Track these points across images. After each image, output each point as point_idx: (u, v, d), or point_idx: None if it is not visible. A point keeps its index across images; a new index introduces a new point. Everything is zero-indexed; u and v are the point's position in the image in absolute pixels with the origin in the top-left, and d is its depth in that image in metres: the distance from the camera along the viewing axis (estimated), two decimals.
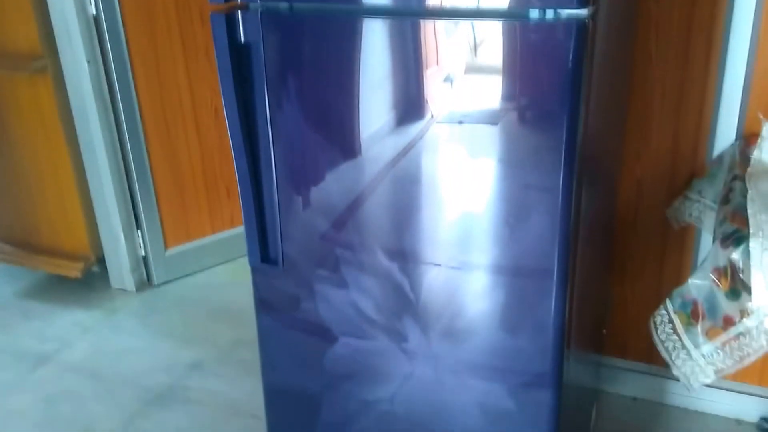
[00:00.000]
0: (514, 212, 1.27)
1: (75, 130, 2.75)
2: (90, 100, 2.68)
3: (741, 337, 1.28)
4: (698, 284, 1.34)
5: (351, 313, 1.45)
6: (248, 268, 1.53)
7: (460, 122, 1.25)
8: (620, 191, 1.98)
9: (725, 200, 1.47)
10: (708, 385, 1.44)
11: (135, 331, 2.70)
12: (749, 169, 1.54)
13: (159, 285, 2.99)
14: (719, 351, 1.32)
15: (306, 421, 1.61)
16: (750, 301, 1.23)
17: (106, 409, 2.26)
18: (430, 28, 1.23)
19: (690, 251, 1.97)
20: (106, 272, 2.99)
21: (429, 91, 1.27)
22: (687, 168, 1.89)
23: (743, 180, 1.49)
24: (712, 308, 1.32)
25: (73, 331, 2.70)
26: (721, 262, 1.28)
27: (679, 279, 1.60)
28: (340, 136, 1.34)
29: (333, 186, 1.38)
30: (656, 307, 1.45)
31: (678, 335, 1.38)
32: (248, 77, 1.36)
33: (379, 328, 1.44)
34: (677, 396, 2.12)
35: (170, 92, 2.82)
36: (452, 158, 1.28)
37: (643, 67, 1.84)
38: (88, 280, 2.97)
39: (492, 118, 1.24)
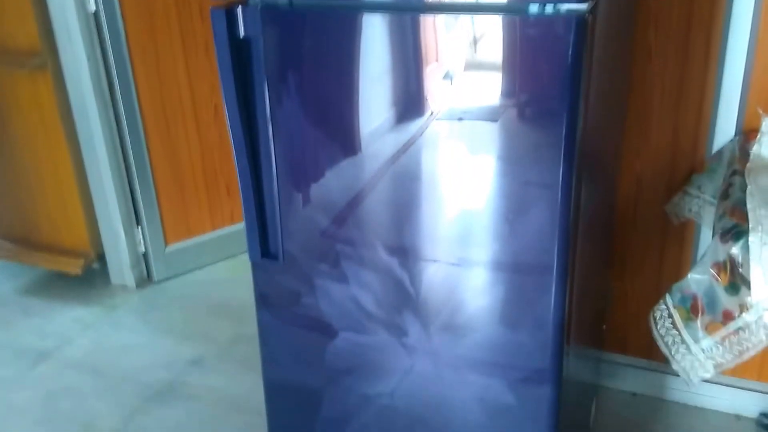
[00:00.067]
0: (514, 208, 1.27)
1: (75, 126, 2.76)
2: (90, 97, 2.68)
3: (740, 332, 1.28)
4: (698, 279, 1.34)
5: (351, 308, 1.45)
6: (248, 265, 1.53)
7: (460, 119, 1.26)
8: (620, 187, 1.98)
9: (725, 195, 1.47)
10: (707, 381, 1.44)
11: (135, 327, 2.70)
12: (749, 165, 1.54)
13: (159, 281, 2.99)
14: (719, 346, 1.33)
15: (306, 416, 1.61)
16: (749, 295, 1.23)
17: (106, 406, 2.27)
18: (429, 24, 1.23)
19: (689, 246, 1.97)
20: (106, 269, 2.99)
21: (429, 88, 1.27)
22: (686, 163, 1.89)
23: (743, 175, 1.49)
24: (712, 303, 1.32)
25: (73, 327, 2.71)
26: (721, 257, 1.28)
27: (679, 274, 1.60)
28: (340, 131, 1.34)
29: (333, 182, 1.38)
30: (656, 302, 1.45)
31: (677, 330, 1.39)
32: (248, 73, 1.36)
33: (380, 322, 1.44)
34: (677, 391, 2.12)
35: (170, 89, 2.82)
36: (452, 155, 1.28)
37: (643, 63, 1.84)
38: (88, 277, 2.97)
39: (492, 115, 1.24)
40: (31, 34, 2.64)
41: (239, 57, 1.34)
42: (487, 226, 1.32)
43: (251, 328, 1.64)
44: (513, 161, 1.25)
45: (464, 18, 1.20)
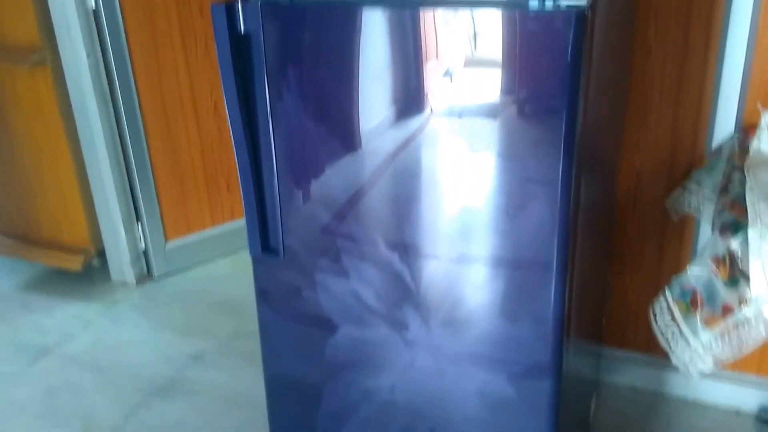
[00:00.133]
0: (514, 204, 1.27)
1: (75, 123, 2.76)
2: (89, 93, 2.68)
3: (739, 326, 1.28)
4: (697, 273, 1.34)
5: (352, 303, 1.46)
6: (248, 261, 1.53)
7: (460, 115, 1.26)
8: (619, 182, 1.99)
9: (724, 190, 1.48)
10: (707, 375, 1.44)
11: (135, 323, 2.71)
12: (748, 160, 1.54)
13: (159, 277, 3.00)
14: (718, 339, 1.33)
15: (307, 411, 1.61)
16: (749, 289, 1.23)
17: (106, 401, 2.27)
18: (429, 19, 1.23)
19: (689, 242, 1.97)
20: (107, 265, 2.99)
21: (429, 84, 1.27)
22: (686, 159, 1.89)
23: (742, 171, 1.49)
24: (711, 297, 1.33)
25: (73, 323, 2.71)
26: (720, 251, 1.29)
27: (678, 269, 1.60)
28: (340, 127, 1.35)
29: (333, 177, 1.38)
30: (655, 297, 1.45)
31: (677, 324, 1.39)
32: (248, 68, 1.36)
33: (380, 317, 1.44)
34: (676, 386, 2.13)
35: (170, 85, 2.82)
36: (452, 151, 1.28)
37: (642, 58, 1.85)
38: (88, 273, 2.98)
39: (491, 111, 1.24)
40: (30, 30, 2.64)
41: (239, 53, 1.34)
42: (487, 221, 1.32)
43: (252, 323, 1.65)
44: (513, 157, 1.25)
45: (464, 13, 1.20)
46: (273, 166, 1.42)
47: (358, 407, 1.56)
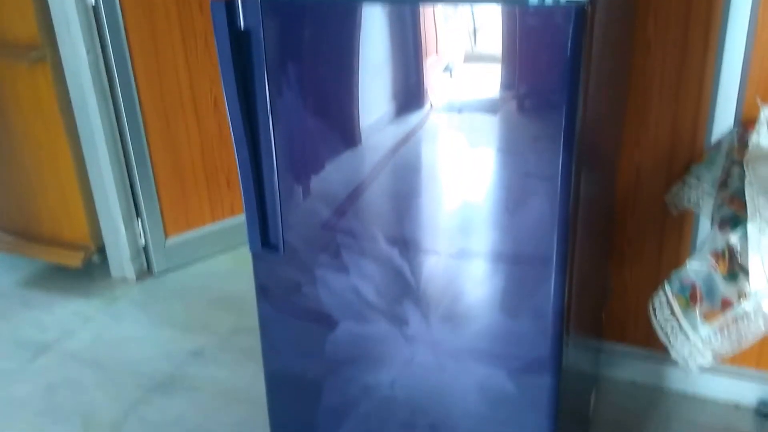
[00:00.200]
0: (514, 199, 1.27)
1: (74, 119, 2.76)
2: (89, 90, 2.68)
3: (739, 320, 1.29)
4: (697, 267, 1.35)
5: (352, 298, 1.46)
6: (248, 257, 1.54)
7: (460, 111, 1.26)
8: (619, 177, 1.99)
9: (723, 185, 1.48)
10: (706, 369, 1.45)
11: (135, 319, 2.71)
12: (747, 155, 1.54)
13: (159, 274, 3.00)
14: (717, 333, 1.33)
15: (307, 407, 1.62)
16: (748, 284, 1.24)
17: (107, 397, 2.27)
18: (429, 14, 1.23)
19: (688, 236, 1.98)
20: (107, 261, 3.00)
21: (428, 80, 1.27)
22: (685, 154, 1.90)
23: (741, 165, 1.49)
24: (711, 291, 1.33)
25: (73, 319, 2.71)
26: (720, 246, 1.29)
27: (678, 264, 1.60)
28: (340, 123, 1.35)
29: (333, 173, 1.38)
30: (655, 291, 1.45)
31: (676, 318, 1.39)
32: (248, 65, 1.36)
33: (380, 312, 1.45)
34: (676, 380, 2.13)
35: (170, 82, 2.82)
36: (452, 146, 1.28)
37: (642, 54, 1.85)
38: (88, 270, 2.98)
39: (491, 107, 1.24)
40: (30, 27, 2.64)
41: (239, 49, 1.35)
42: (487, 217, 1.32)
43: (252, 319, 1.65)
44: (513, 153, 1.26)
45: (463, 8, 1.20)
46: (273, 162, 1.42)
47: (358, 403, 1.56)
